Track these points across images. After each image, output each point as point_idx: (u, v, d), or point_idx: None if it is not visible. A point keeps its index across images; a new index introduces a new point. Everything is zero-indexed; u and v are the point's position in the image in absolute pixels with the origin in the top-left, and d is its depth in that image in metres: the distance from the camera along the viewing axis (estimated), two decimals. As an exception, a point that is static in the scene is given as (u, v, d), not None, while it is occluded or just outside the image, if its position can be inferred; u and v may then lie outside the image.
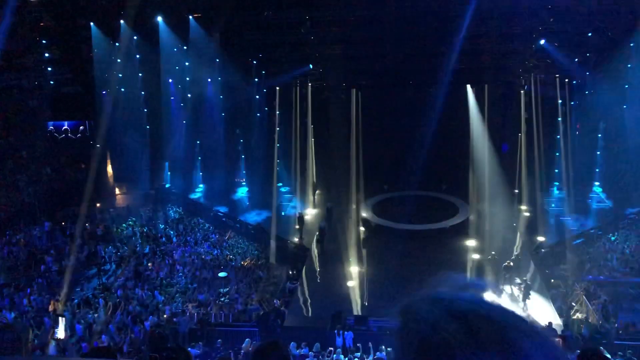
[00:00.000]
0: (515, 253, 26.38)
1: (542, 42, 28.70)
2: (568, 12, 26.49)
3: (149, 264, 24.59)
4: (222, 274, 23.68)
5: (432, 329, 0.99)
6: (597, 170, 32.81)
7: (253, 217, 31.65)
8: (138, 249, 25.82)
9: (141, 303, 20.98)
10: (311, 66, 32.54)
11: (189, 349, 17.03)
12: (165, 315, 20.31)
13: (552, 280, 23.57)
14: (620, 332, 19.23)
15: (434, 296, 1.07)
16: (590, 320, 20.22)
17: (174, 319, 19.76)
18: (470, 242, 27.55)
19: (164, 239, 27.21)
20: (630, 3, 26.12)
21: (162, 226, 28.71)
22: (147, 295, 21.73)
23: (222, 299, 22.02)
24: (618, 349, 17.40)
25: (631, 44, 28.31)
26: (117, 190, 32.09)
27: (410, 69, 31.59)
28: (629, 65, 29.40)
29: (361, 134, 33.68)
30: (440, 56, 29.47)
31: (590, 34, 28.00)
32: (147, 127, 31.66)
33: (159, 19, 27.94)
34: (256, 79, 33.19)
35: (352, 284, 24.09)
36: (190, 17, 28.14)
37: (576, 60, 30.15)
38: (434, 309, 1.02)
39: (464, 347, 0.94)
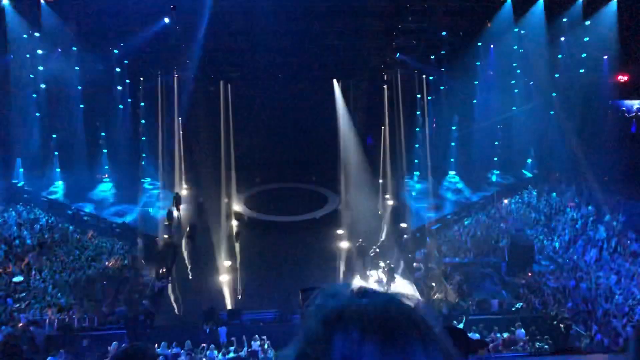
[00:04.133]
0: (380, 239, 27.71)
1: (401, 39, 30.43)
2: (425, 11, 28.26)
3: (1, 270, 22.49)
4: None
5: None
6: (452, 160, 35.40)
7: (118, 215, 30.17)
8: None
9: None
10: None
11: (49, 358, 15.95)
12: (20, 324, 18.74)
13: (414, 264, 25.15)
14: (474, 308, 21.03)
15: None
16: (448, 299, 21.90)
17: (31, 328, 18.31)
18: (339, 231, 28.49)
19: (17, 241, 24.99)
20: (481, 5, 28.47)
21: (14, 227, 26.35)
22: (-2, 303, 19.88)
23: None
24: (472, 323, 19.04)
25: (479, 44, 30.93)
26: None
27: (280, 62, 31.80)
28: (477, 63, 32.13)
29: (232, 127, 33.35)
30: (308, 51, 30.16)
31: (444, 33, 30.06)
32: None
33: (4, 1, 25.51)
34: (118, 69, 31.50)
35: (225, 278, 23.90)
36: (42, 1, 26.06)
37: (432, 57, 32.23)
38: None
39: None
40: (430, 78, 33.89)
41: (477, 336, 16.64)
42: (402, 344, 0.98)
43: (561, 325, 18.94)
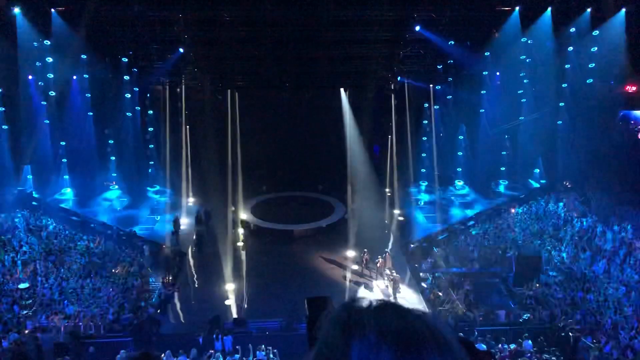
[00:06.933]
0: (386, 249, 27.59)
1: (409, 49, 30.50)
2: (432, 21, 28.31)
3: (8, 276, 22.58)
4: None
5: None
6: (459, 169, 35.30)
7: (125, 222, 30.23)
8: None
9: (-1, 319, 19.20)
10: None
11: (56, 365, 15.98)
12: (27, 331, 18.79)
13: (421, 274, 25.01)
14: (481, 319, 20.88)
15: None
16: (455, 310, 21.76)
17: (38, 334, 18.35)
18: (346, 240, 28.40)
19: (25, 247, 25.09)
20: (488, 15, 28.48)
21: (22, 234, 26.44)
22: (5, 309, 19.94)
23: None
24: (479, 334, 18.93)
25: (486, 53, 30.91)
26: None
27: (287, 71, 31.92)
28: (484, 73, 32.11)
29: (238, 136, 33.47)
30: (315, 60, 30.26)
31: (451, 43, 30.08)
32: (5, 127, 28.93)
33: (16, 10, 25.74)
34: (126, 77, 31.69)
35: (231, 287, 23.87)
36: (53, 10, 26.32)
37: (439, 66, 32.27)
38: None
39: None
40: (438, 87, 33.90)
41: (484, 347, 16.52)
42: (418, 352, 1.01)
43: (569, 336, 18.80)
